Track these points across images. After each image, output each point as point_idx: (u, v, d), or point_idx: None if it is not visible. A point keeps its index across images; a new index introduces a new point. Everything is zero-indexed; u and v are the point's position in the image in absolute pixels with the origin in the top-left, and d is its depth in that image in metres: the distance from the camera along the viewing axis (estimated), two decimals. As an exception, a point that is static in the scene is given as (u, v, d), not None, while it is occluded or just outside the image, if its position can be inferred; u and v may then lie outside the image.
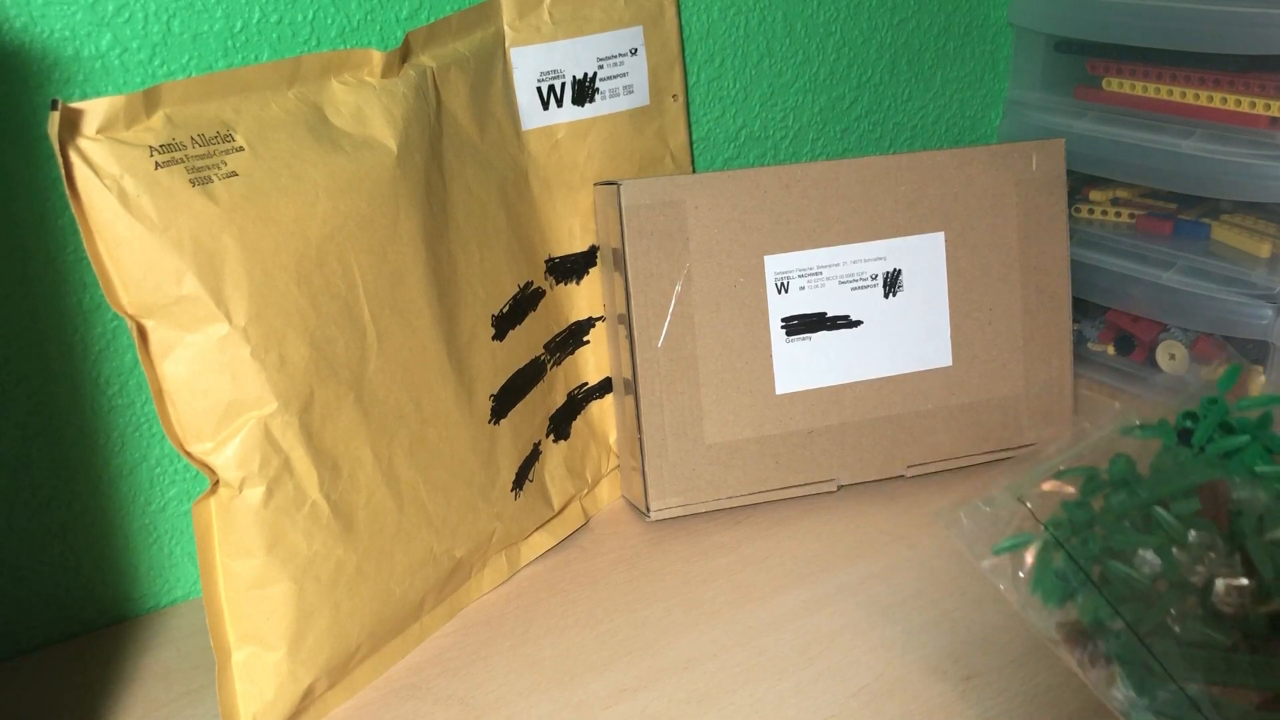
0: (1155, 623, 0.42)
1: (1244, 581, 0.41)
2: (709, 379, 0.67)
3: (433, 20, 0.59)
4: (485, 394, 0.61)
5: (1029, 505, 0.47)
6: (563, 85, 0.66)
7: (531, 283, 0.65)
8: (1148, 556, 0.43)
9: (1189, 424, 0.48)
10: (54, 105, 0.42)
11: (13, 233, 0.55)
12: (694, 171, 0.77)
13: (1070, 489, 0.47)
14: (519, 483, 0.64)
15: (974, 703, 0.52)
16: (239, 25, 0.59)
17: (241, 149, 0.48)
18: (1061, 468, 0.48)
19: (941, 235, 0.70)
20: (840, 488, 0.71)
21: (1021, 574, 0.46)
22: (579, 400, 0.70)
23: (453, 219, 0.59)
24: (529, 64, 0.64)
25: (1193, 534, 0.43)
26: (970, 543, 0.47)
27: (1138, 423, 0.49)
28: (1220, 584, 0.41)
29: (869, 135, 0.89)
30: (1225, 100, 0.77)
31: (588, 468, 0.71)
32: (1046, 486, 0.48)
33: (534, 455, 0.66)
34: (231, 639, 0.51)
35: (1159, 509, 0.44)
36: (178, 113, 0.47)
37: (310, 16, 0.61)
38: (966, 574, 0.62)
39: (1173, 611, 0.42)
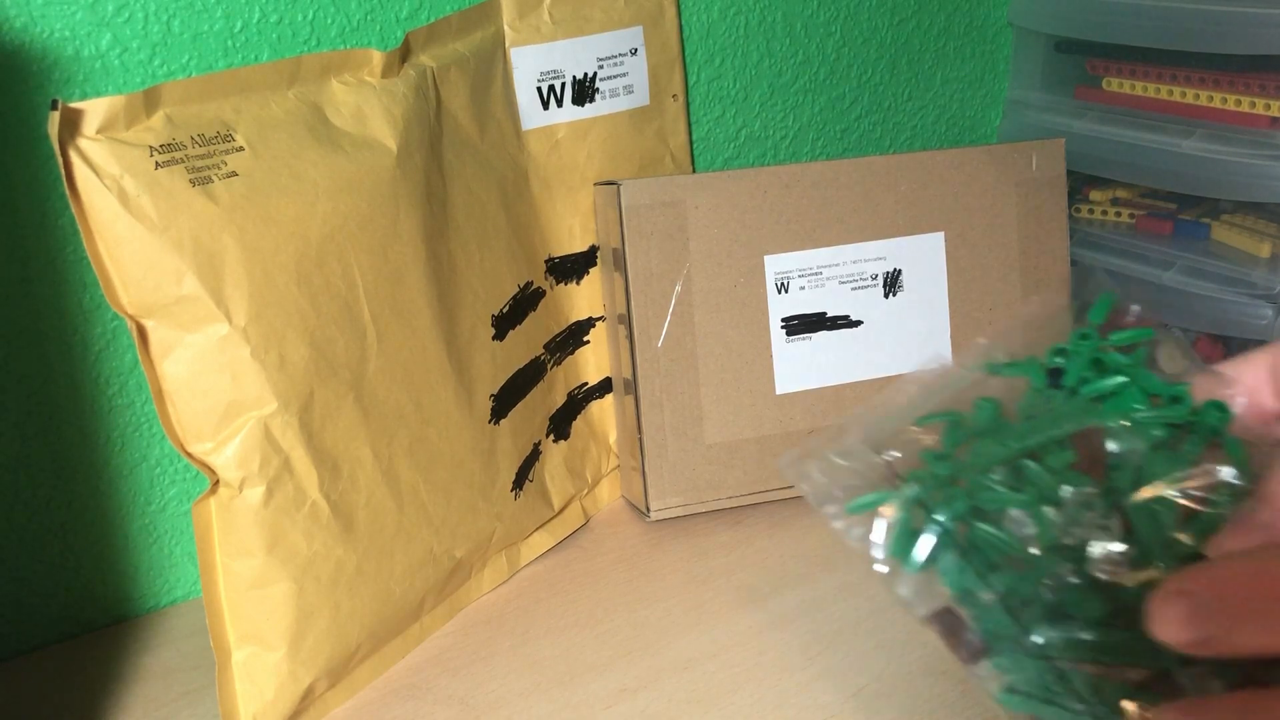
0: (1028, 593, 0.38)
1: (1122, 546, 0.37)
2: (709, 379, 0.67)
3: (433, 20, 0.59)
4: (485, 394, 0.61)
5: (887, 458, 0.42)
6: (563, 85, 0.66)
7: (531, 283, 0.65)
8: (1018, 517, 0.39)
9: (1060, 361, 0.43)
10: (54, 105, 0.42)
11: (13, 233, 0.55)
12: (694, 171, 0.77)
13: (932, 438, 0.42)
14: (519, 483, 0.64)
15: (974, 702, 0.52)
16: (239, 25, 0.59)
17: (241, 149, 0.48)
18: (923, 413, 0.43)
19: (941, 235, 0.70)
20: (840, 488, 0.71)
21: (879, 536, 0.41)
22: (579, 400, 0.70)
23: (453, 219, 0.59)
24: (529, 64, 0.64)
25: (1067, 490, 0.38)
26: (821, 500, 0.41)
27: (1004, 360, 0.44)
28: (1097, 548, 0.37)
29: (869, 135, 0.89)
30: (1225, 100, 0.77)
31: (588, 468, 0.71)
32: (906, 435, 0.42)
33: (534, 455, 0.66)
34: (231, 639, 0.51)
35: (1029, 462, 0.39)
36: (178, 113, 0.47)
37: (310, 16, 0.61)
38: (966, 574, 0.62)
39: (1046, 581, 0.37)
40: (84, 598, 0.62)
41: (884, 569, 0.40)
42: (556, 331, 0.68)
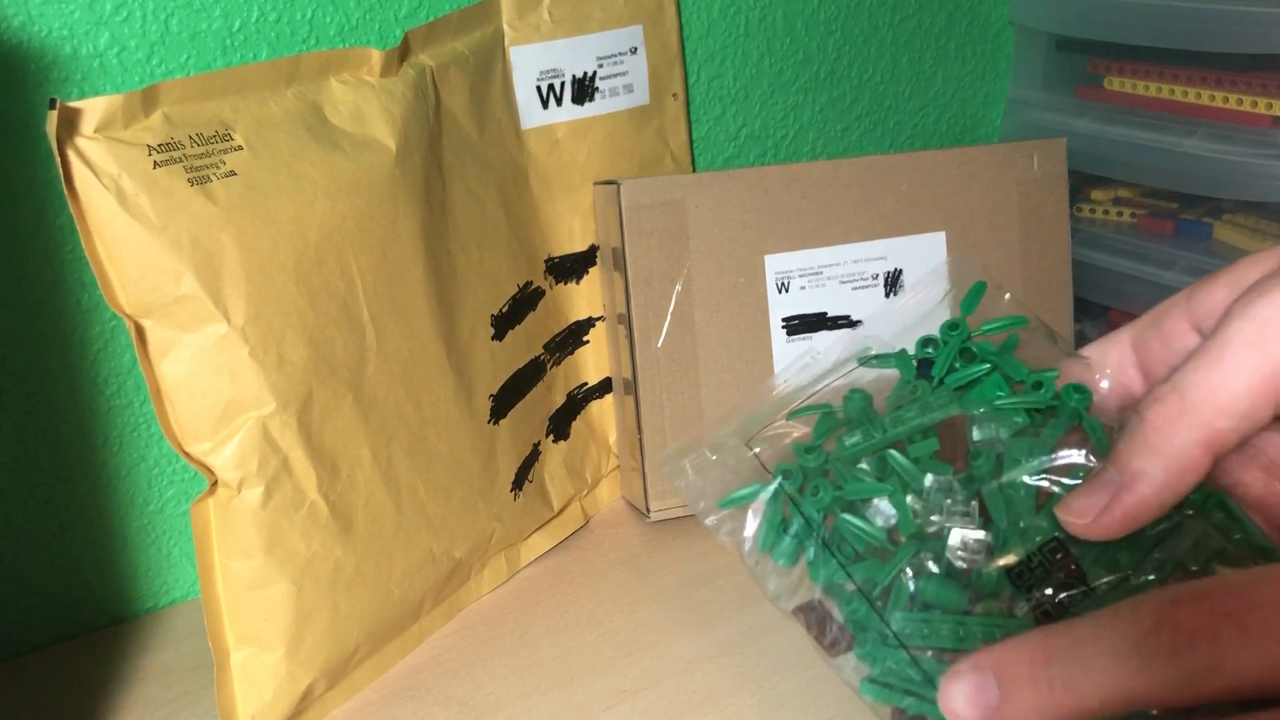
0: (889, 583, 0.37)
1: (980, 534, 0.37)
2: (709, 379, 0.67)
3: (432, 19, 0.59)
4: (485, 394, 0.61)
5: (756, 452, 0.42)
6: (562, 84, 0.66)
7: (531, 282, 0.65)
8: (882, 507, 0.38)
9: (929, 352, 0.43)
10: (52, 104, 0.42)
11: (11, 232, 0.55)
12: (694, 171, 0.77)
13: (803, 431, 0.42)
14: (518, 483, 0.63)
15: (975, 704, 0.52)
16: (237, 24, 0.59)
17: (240, 148, 0.48)
18: (794, 407, 0.43)
19: (942, 235, 0.70)
20: (841, 488, 0.71)
21: (750, 530, 0.41)
22: (579, 400, 0.70)
23: (452, 218, 0.59)
24: (528, 63, 0.64)
25: (929, 479, 0.38)
26: (696, 496, 0.41)
27: (874, 351, 0.44)
28: (955, 536, 0.37)
29: (870, 134, 0.89)
30: (1228, 99, 0.77)
31: (587, 468, 0.71)
32: (778, 429, 0.42)
33: (533, 455, 0.65)
34: (230, 640, 0.50)
35: (893, 452, 0.39)
36: (176, 112, 0.47)
37: (309, 15, 0.61)
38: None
39: (908, 570, 0.37)
40: (83, 598, 0.61)
41: (756, 564, 0.40)
42: (556, 331, 0.68)
